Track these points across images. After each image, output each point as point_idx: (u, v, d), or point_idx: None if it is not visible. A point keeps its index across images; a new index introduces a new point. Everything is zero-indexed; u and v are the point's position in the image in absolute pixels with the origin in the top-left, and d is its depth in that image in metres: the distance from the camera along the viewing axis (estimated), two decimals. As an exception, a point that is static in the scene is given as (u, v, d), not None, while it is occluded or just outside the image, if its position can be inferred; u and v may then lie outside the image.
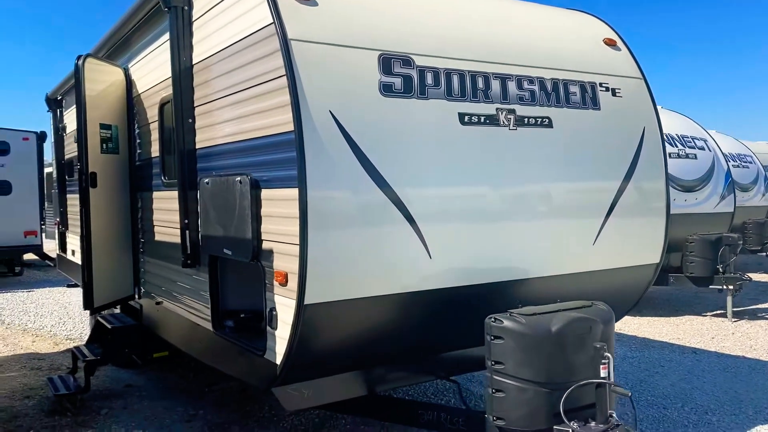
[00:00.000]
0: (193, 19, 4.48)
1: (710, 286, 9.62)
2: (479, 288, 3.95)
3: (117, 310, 6.55)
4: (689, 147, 10.66)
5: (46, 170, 15.63)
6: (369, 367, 4.18)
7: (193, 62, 4.48)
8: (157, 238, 5.36)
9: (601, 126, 4.53)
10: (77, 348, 6.35)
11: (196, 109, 4.48)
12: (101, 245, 5.65)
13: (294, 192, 3.32)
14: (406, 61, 3.76)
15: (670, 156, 8.84)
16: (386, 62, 3.69)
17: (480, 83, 4.00)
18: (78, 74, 5.59)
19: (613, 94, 4.63)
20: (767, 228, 13.04)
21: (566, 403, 3.27)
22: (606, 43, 4.88)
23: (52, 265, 14.48)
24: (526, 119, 4.14)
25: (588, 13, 5.18)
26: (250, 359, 3.89)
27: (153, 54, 5.33)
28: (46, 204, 15.68)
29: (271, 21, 3.48)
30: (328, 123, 3.41)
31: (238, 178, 3.78)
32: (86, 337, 7.27)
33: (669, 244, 4.88)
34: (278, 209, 3.53)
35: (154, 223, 5.42)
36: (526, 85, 4.19)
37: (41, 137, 15.05)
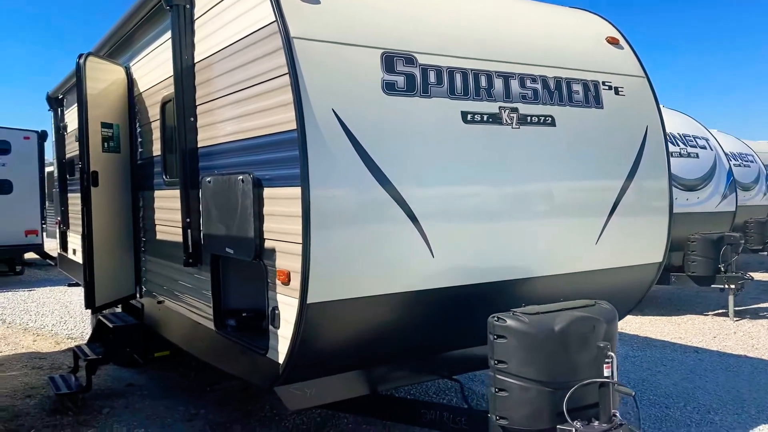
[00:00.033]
0: (195, 18, 4.47)
1: (712, 286, 9.61)
2: (482, 287, 3.94)
3: (118, 309, 6.55)
4: (691, 146, 10.65)
5: (47, 169, 15.63)
6: (371, 366, 4.17)
7: (195, 61, 4.47)
8: (159, 237, 5.36)
9: (604, 125, 4.52)
10: (78, 347, 6.35)
11: (197, 107, 4.47)
12: (103, 244, 5.65)
13: (296, 191, 3.31)
14: (409, 60, 3.75)
15: (671, 155, 8.83)
16: (389, 60, 3.68)
17: (483, 82, 3.99)
18: (79, 73, 5.58)
19: (616, 92, 4.62)
20: (768, 227, 13.04)
21: (569, 402, 3.26)
22: (609, 41, 4.87)
23: (53, 264, 14.47)
24: (528, 118, 4.13)
25: (591, 12, 5.17)
26: (252, 358, 3.88)
27: (154, 52, 5.32)
28: (46, 203, 15.68)
29: (274, 19, 3.46)
30: (330, 121, 3.39)
31: (240, 177, 3.77)
32: (87, 336, 7.27)
33: (671, 244, 4.86)
34: (281, 208, 3.52)
35: (156, 222, 5.41)
36: (528, 83, 4.18)
37: (42, 136, 15.04)
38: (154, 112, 5.35)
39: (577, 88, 4.40)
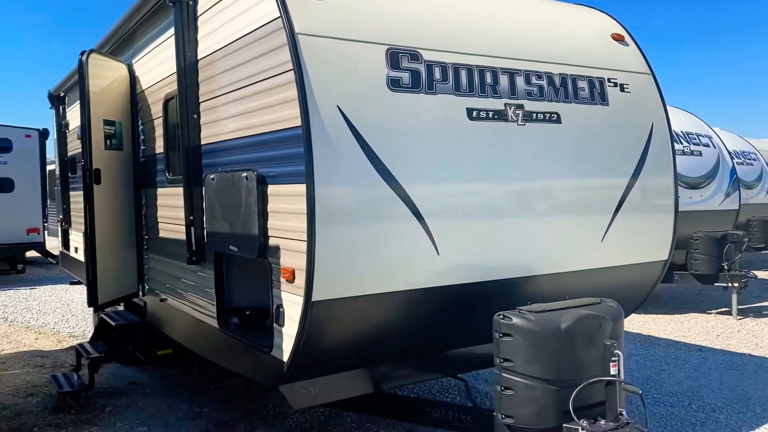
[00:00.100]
0: (198, 14, 4.45)
1: (715, 284, 9.58)
2: (487, 285, 3.92)
3: (121, 308, 6.54)
4: (694, 144, 10.62)
5: (49, 167, 15.63)
6: (376, 364, 4.15)
7: (199, 57, 4.45)
8: (162, 234, 5.34)
9: (610, 122, 4.50)
10: (81, 345, 6.33)
11: (201, 104, 4.45)
12: (105, 242, 5.63)
13: (301, 188, 3.29)
14: (414, 56, 3.73)
15: (675, 153, 8.80)
16: (394, 57, 3.65)
17: (488, 78, 3.96)
18: (82, 70, 5.56)
19: (622, 89, 4.60)
20: (772, 226, 13.00)
21: (576, 400, 3.25)
22: (614, 38, 4.85)
23: (54, 262, 14.50)
24: (534, 114, 4.11)
25: (596, 9, 5.14)
26: (256, 356, 3.87)
27: (157, 49, 5.29)
28: (48, 201, 15.68)
29: (278, 15, 3.44)
30: (335, 118, 3.37)
31: (245, 174, 3.75)
32: (90, 335, 7.26)
33: (674, 242, 4.85)
34: (285, 205, 3.50)
35: (159, 219, 5.39)
36: (534, 80, 4.16)
37: (44, 134, 15.04)
38: (156, 110, 5.32)
39: (582, 85, 4.38)
